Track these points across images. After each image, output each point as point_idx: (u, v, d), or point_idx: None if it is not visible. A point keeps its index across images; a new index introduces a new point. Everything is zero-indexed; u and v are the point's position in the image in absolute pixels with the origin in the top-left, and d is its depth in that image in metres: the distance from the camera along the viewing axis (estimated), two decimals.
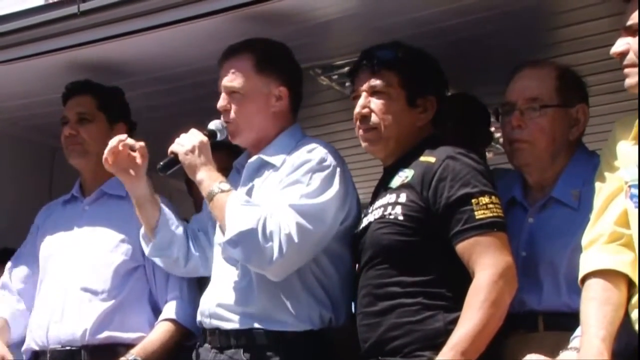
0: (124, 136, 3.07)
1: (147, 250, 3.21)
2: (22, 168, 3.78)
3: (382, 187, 2.88)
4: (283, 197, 2.84)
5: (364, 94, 2.87)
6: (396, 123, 2.84)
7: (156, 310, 3.39)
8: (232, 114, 3.01)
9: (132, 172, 3.08)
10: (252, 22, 3.15)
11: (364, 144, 2.90)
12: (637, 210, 2.37)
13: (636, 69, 2.41)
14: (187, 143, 2.94)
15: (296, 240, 2.76)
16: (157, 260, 3.24)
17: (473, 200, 2.64)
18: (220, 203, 2.86)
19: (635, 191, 2.38)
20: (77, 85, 3.51)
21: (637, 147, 2.42)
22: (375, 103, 2.84)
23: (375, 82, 2.86)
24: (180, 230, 3.18)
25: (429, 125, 2.91)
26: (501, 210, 2.67)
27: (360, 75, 2.91)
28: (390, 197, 2.78)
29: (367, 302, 2.77)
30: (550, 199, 2.80)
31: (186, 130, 3.00)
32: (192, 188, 3.60)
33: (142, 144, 3.07)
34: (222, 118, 3.05)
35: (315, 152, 2.93)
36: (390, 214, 2.74)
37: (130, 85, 3.60)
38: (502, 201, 2.76)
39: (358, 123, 2.88)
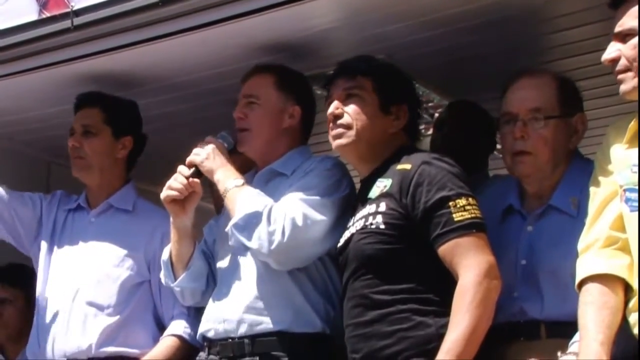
0: (185, 170, 3.08)
1: (170, 280, 3.20)
2: (18, 182, 3.76)
3: (361, 199, 2.89)
4: (291, 193, 2.95)
5: (337, 97, 2.92)
6: (369, 126, 2.86)
7: (160, 326, 3.40)
8: (247, 121, 3.13)
9: (184, 206, 3.11)
10: (247, 34, 3.17)
11: (334, 143, 2.91)
12: (632, 214, 2.38)
13: (630, 74, 2.40)
14: (201, 152, 3.06)
15: (300, 224, 2.86)
16: (178, 291, 3.22)
17: (450, 203, 2.65)
18: (233, 196, 2.96)
19: (630, 194, 2.39)
20: (87, 97, 3.49)
21: (630, 150, 2.42)
22: (349, 105, 2.88)
23: (350, 84, 2.91)
24: (207, 264, 3.23)
25: (402, 134, 2.94)
26: (479, 211, 2.67)
27: (336, 82, 2.96)
28: (370, 208, 2.79)
29: (356, 313, 2.76)
30: (549, 207, 2.79)
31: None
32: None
33: (197, 181, 3.09)
34: (235, 126, 3.14)
35: (326, 161, 3.08)
36: (371, 224, 2.75)
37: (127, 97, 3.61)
38: (496, 208, 2.80)
39: (331, 125, 2.91)
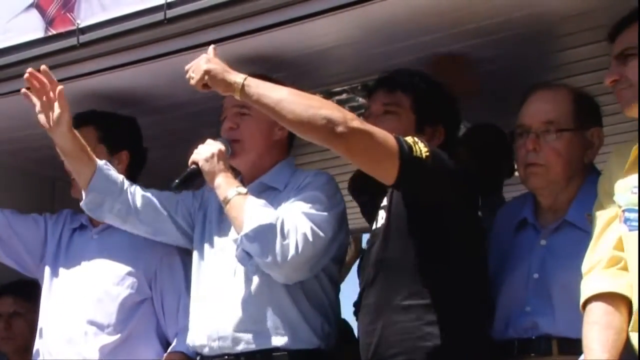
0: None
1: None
2: (23, 200, 3.78)
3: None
4: (295, 206, 2.91)
5: (376, 112, 2.94)
6: None
7: (164, 343, 3.39)
8: (240, 132, 3.09)
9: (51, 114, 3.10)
10: (250, 51, 3.18)
11: None
12: (631, 233, 2.38)
13: (633, 90, 2.41)
14: (205, 151, 2.99)
15: (310, 239, 2.82)
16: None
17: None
18: (238, 204, 2.88)
19: (629, 215, 2.39)
20: (82, 116, 3.46)
21: (631, 177, 2.42)
22: (385, 122, 2.87)
23: (388, 100, 2.93)
24: (124, 207, 3.23)
25: None
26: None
27: (376, 94, 2.98)
28: None
29: (369, 320, 2.77)
30: (564, 222, 2.77)
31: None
32: None
33: (61, 87, 3.07)
34: (225, 136, 3.10)
35: (320, 175, 3.06)
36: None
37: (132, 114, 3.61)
38: (511, 220, 2.85)
39: None
